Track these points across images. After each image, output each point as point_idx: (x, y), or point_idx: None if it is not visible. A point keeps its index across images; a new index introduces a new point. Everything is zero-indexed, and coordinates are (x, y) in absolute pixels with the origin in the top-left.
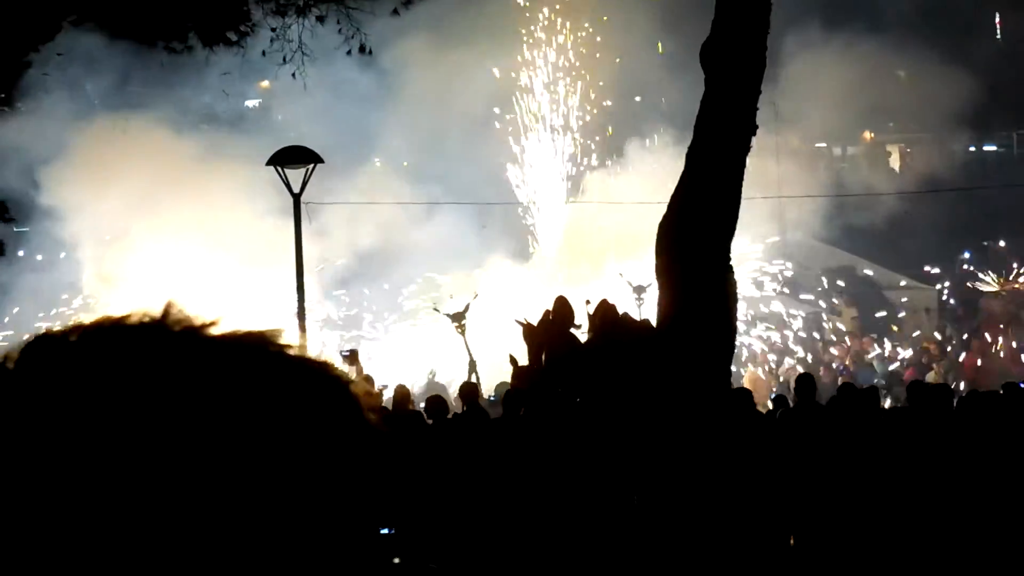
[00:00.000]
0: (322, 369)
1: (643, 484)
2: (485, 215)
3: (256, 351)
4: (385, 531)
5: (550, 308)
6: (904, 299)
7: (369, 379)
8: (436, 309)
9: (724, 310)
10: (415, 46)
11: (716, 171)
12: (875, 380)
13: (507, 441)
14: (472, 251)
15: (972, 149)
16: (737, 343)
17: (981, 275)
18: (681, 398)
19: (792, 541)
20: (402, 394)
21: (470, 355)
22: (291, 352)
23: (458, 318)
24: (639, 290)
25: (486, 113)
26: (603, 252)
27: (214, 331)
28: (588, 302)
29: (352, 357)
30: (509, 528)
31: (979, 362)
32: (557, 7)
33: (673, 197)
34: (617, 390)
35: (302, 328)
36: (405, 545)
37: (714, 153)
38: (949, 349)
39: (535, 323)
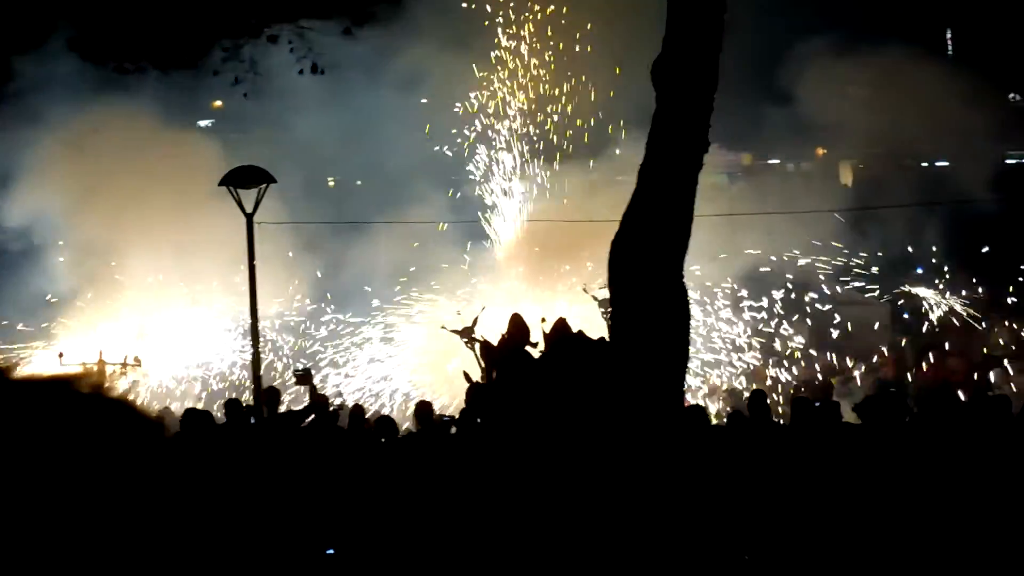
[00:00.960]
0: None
1: (594, 499)
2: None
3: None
4: (330, 551)
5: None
6: (855, 315)
7: (324, 398)
8: (444, 327)
9: (677, 326)
10: (368, 64)
11: (668, 188)
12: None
13: (457, 458)
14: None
15: (924, 165)
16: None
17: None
18: (633, 415)
19: (747, 557)
20: (357, 411)
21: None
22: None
23: (467, 333)
24: (604, 304)
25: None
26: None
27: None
28: (544, 320)
29: (305, 377)
30: (456, 544)
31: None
32: (518, 31)
33: (626, 214)
34: (568, 406)
35: (255, 347)
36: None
37: (666, 169)
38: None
39: (492, 341)
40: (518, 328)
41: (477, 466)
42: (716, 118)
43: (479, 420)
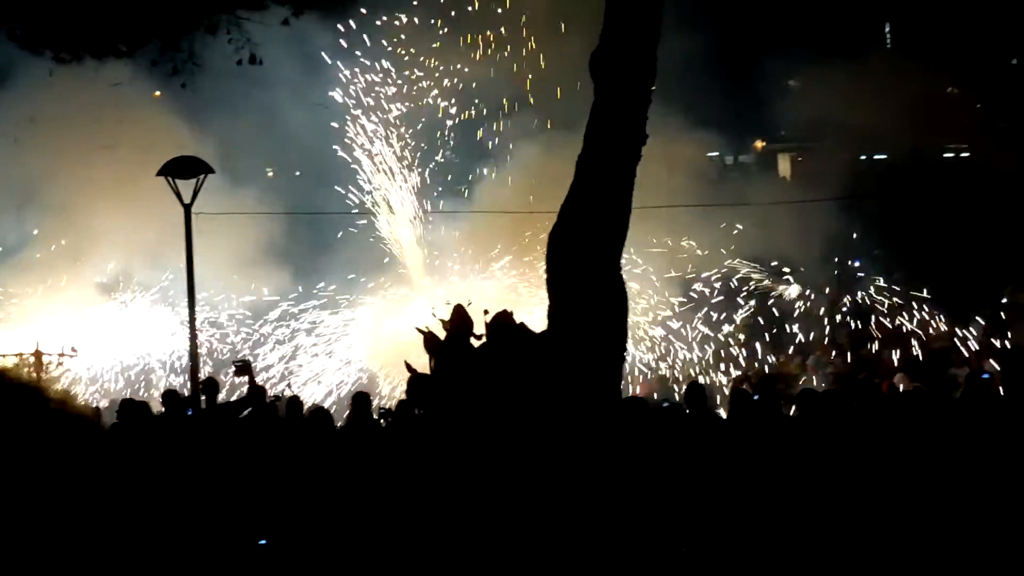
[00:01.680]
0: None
1: (529, 493)
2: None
3: None
4: (262, 542)
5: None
6: (797, 310)
7: (261, 389)
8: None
9: (615, 318)
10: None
11: (606, 180)
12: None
13: (390, 450)
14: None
15: (863, 158)
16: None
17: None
18: (571, 406)
19: (684, 549)
20: (294, 402)
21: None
22: None
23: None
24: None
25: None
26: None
27: None
28: (487, 311)
29: (244, 368)
30: (389, 535)
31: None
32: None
33: (564, 205)
34: (507, 397)
35: (193, 337)
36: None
37: (604, 162)
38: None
39: (434, 332)
40: (461, 319)
41: (412, 457)
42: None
43: (418, 410)
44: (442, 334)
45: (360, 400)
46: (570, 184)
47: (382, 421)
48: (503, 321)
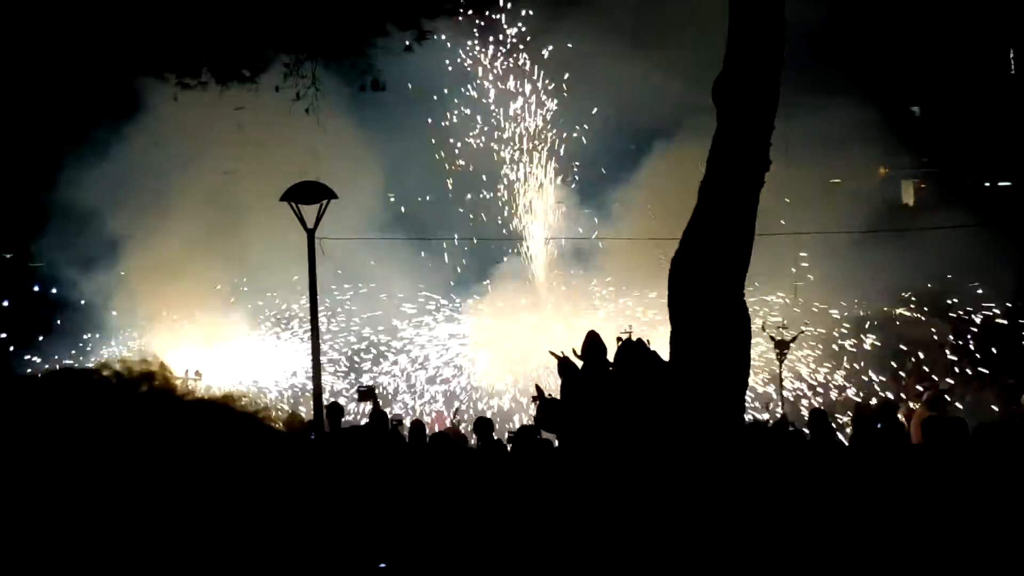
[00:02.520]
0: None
1: (654, 519)
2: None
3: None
4: (382, 565)
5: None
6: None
7: (383, 415)
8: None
9: (739, 345)
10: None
11: (729, 206)
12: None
13: (514, 474)
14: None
15: (987, 184)
16: None
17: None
18: (693, 434)
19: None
20: (417, 426)
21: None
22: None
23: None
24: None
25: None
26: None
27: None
28: (619, 339)
29: (368, 394)
30: (511, 560)
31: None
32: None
33: (686, 231)
34: (636, 426)
35: (316, 363)
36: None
37: (727, 188)
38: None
39: (570, 357)
40: (595, 346)
41: (537, 481)
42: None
43: (547, 435)
44: (576, 360)
45: (482, 425)
46: (692, 210)
47: (508, 445)
48: (634, 348)
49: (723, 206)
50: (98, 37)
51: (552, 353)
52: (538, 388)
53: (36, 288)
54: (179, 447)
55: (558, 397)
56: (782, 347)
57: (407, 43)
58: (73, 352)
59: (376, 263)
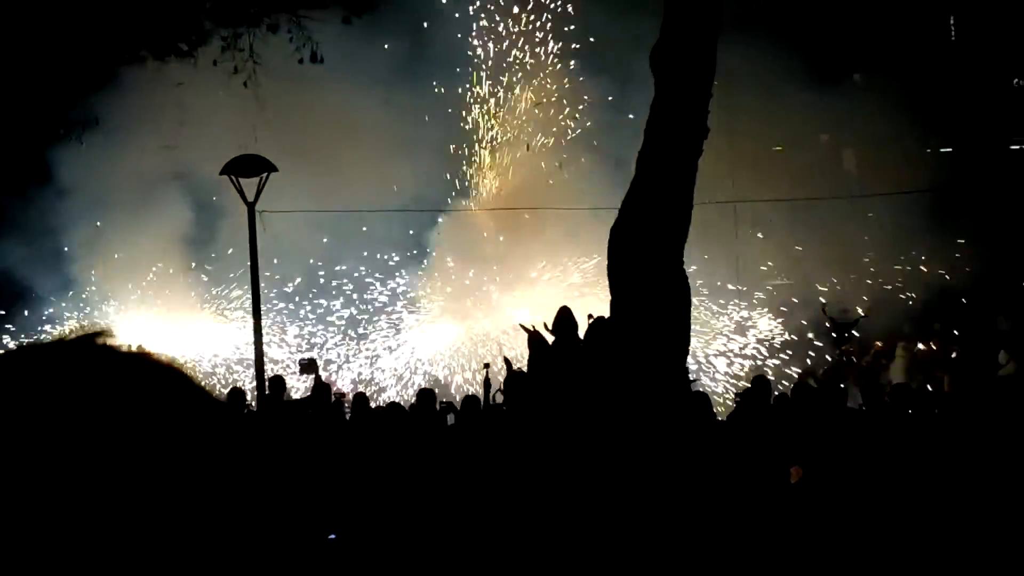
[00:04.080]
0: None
1: (600, 490)
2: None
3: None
4: (332, 536)
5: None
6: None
7: (326, 387)
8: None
9: (678, 312)
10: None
11: (668, 175)
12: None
13: (457, 446)
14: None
15: (928, 151)
16: None
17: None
18: (636, 402)
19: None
20: (360, 398)
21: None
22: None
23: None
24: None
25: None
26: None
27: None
28: (591, 316)
29: (309, 366)
30: (459, 532)
31: None
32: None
33: (625, 201)
34: (598, 399)
35: (257, 334)
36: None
37: (665, 157)
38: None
39: (539, 330)
40: (567, 321)
41: (487, 453)
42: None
43: (514, 407)
44: (546, 334)
45: (425, 396)
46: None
47: (448, 417)
48: (606, 326)
49: (662, 175)
50: (42, 15)
51: (522, 326)
52: (506, 360)
53: None
54: (140, 403)
55: (524, 369)
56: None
57: (345, 16)
58: (13, 330)
59: (319, 236)
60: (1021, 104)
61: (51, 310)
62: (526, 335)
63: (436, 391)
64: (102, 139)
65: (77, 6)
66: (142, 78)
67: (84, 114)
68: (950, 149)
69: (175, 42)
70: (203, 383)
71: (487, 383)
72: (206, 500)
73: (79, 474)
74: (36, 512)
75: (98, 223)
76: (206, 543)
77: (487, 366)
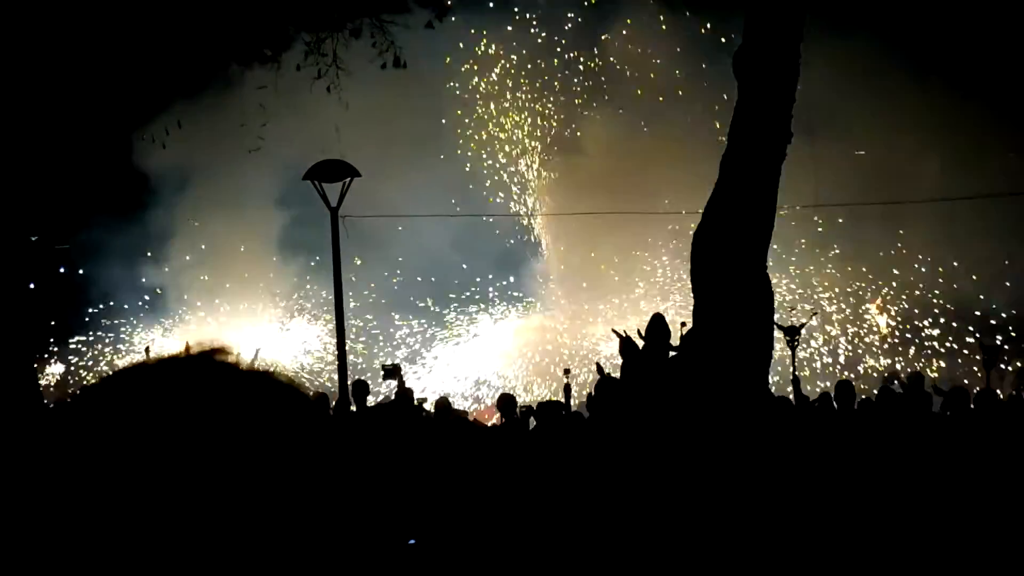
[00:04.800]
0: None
1: (680, 494)
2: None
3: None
4: (411, 541)
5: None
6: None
7: (409, 391)
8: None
9: (762, 318)
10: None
11: (751, 179)
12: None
13: (538, 450)
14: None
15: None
16: None
17: None
18: (719, 408)
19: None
20: (442, 405)
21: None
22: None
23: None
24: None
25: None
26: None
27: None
28: (684, 324)
29: (393, 372)
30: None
31: None
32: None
33: (708, 206)
34: (690, 409)
35: (340, 340)
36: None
37: (749, 161)
38: None
39: (634, 337)
40: (660, 328)
41: (565, 459)
42: None
43: (603, 413)
44: (639, 341)
45: (506, 401)
46: (714, 184)
47: (530, 420)
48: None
49: (745, 179)
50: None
51: (615, 331)
52: (599, 366)
53: (62, 270)
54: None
55: (616, 376)
56: (792, 333)
57: (428, 20)
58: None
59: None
60: None
61: (140, 316)
62: (618, 341)
63: (515, 397)
64: (186, 144)
65: (162, 11)
66: (227, 84)
67: (168, 119)
68: None
69: (260, 48)
70: (314, 398)
71: (568, 389)
72: (315, 511)
73: (199, 488)
74: (160, 522)
75: (195, 223)
76: (312, 549)
77: (567, 372)
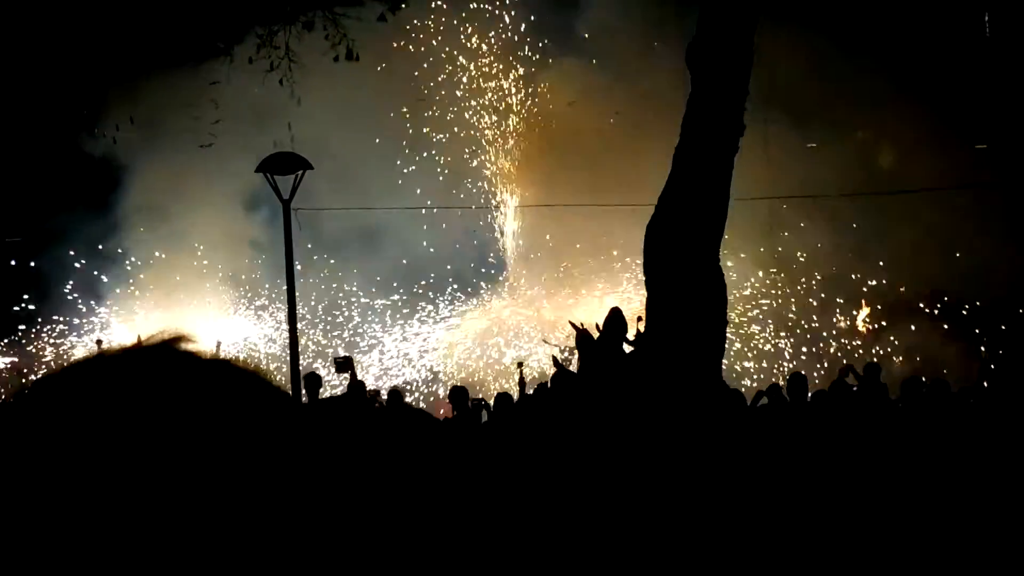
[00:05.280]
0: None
1: (636, 486)
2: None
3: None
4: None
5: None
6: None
7: (361, 384)
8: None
9: (714, 309)
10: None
11: (704, 171)
12: None
13: (493, 442)
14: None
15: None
16: None
17: None
18: (672, 398)
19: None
20: (394, 396)
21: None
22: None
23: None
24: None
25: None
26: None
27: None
28: (640, 318)
29: (346, 364)
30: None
31: None
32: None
33: (661, 197)
34: (617, 395)
35: (293, 333)
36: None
37: (701, 153)
38: None
39: (589, 329)
40: (617, 322)
41: (518, 448)
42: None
43: (560, 406)
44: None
45: (458, 394)
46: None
47: (483, 413)
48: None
49: (698, 171)
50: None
51: (572, 324)
52: (555, 359)
53: (12, 263)
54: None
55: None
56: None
57: (381, 13)
58: (63, 328)
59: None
60: None
61: (92, 309)
62: (576, 333)
63: (467, 389)
64: (138, 137)
65: (113, 5)
66: (179, 76)
67: (120, 112)
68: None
69: (212, 40)
70: (281, 387)
71: (522, 382)
72: (283, 502)
73: (156, 478)
74: (116, 513)
75: (141, 229)
76: (278, 543)
77: (520, 365)
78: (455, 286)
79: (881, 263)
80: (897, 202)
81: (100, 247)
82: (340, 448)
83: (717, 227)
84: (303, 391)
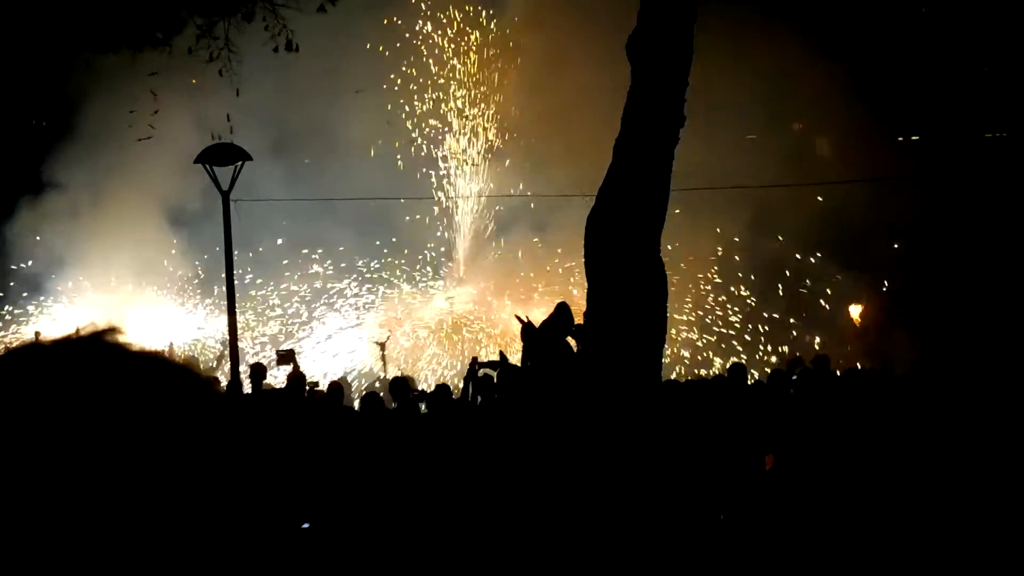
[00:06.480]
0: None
1: (575, 481)
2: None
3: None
4: (305, 525)
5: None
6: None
7: (302, 377)
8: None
9: (655, 302)
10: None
11: (644, 163)
12: None
13: (432, 435)
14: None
15: (899, 139)
16: None
17: None
18: (611, 392)
19: (721, 517)
20: (335, 388)
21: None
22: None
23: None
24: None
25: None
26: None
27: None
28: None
29: (287, 357)
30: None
31: None
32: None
33: (602, 189)
34: (561, 389)
35: (232, 324)
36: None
37: (642, 145)
38: None
39: (534, 323)
40: (563, 316)
41: (462, 440)
42: None
43: (502, 399)
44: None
45: (399, 385)
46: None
47: (421, 406)
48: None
49: (638, 163)
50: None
51: (517, 317)
52: (501, 354)
53: None
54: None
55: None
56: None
57: (320, 4)
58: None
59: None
60: (992, 93)
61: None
62: (520, 327)
63: (409, 380)
64: (75, 129)
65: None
66: (116, 67)
67: (56, 103)
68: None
69: (150, 31)
70: (209, 379)
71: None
72: (206, 495)
73: (86, 473)
74: (42, 511)
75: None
76: (202, 537)
77: (475, 359)
78: (406, 277)
79: (819, 254)
80: (840, 191)
81: (38, 237)
82: (266, 439)
83: (658, 219)
84: (249, 380)
